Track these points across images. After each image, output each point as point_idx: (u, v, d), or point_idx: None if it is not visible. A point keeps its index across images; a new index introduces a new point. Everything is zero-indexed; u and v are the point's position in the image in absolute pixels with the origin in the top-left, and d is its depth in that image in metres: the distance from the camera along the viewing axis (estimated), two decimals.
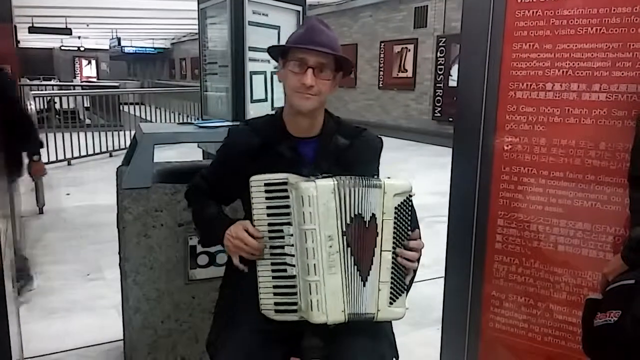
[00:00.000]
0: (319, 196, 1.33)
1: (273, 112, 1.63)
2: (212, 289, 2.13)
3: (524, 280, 1.85)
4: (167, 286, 2.17)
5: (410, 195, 1.42)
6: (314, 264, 1.33)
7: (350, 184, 1.37)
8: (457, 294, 2.00)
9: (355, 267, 1.38)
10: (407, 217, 1.42)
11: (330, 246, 1.34)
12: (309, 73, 1.39)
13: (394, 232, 1.40)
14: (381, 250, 1.40)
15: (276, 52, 1.50)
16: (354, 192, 1.37)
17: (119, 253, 2.16)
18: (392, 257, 1.41)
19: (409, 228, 1.43)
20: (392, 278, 1.41)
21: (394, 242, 1.41)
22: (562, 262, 1.77)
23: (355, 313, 1.38)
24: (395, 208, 1.40)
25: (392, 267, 1.41)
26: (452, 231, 1.97)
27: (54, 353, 2.63)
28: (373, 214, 1.39)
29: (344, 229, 1.36)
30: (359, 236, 1.38)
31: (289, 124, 1.51)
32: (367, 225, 1.39)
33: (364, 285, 1.39)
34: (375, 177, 1.52)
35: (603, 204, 1.67)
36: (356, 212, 1.37)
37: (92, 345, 2.70)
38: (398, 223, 1.41)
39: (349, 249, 1.37)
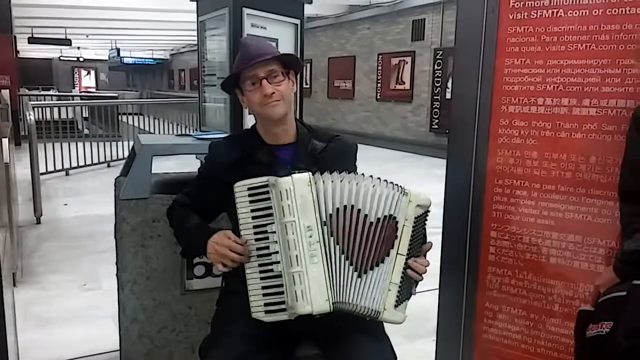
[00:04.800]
0: (296, 188, 1.39)
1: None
2: (208, 300, 2.13)
3: (517, 291, 1.87)
4: (163, 296, 2.19)
5: (428, 211, 1.51)
6: (296, 255, 1.39)
7: (329, 177, 1.43)
8: (451, 305, 2.02)
9: (343, 256, 1.42)
10: (422, 230, 1.51)
11: (310, 236, 1.40)
12: (265, 83, 1.51)
13: (410, 240, 1.47)
14: (397, 253, 1.45)
15: (230, 86, 1.61)
16: (336, 185, 1.42)
17: (116, 263, 2.17)
18: (405, 263, 1.46)
19: (423, 241, 1.52)
20: (400, 282, 1.46)
21: (408, 249, 1.47)
22: (554, 274, 1.79)
23: (342, 302, 1.41)
24: (416, 218, 1.47)
25: (403, 272, 1.46)
26: (446, 243, 1.99)
27: None
28: (390, 215, 1.44)
29: (324, 219, 1.41)
30: (348, 227, 1.42)
31: (264, 135, 1.62)
32: (373, 222, 1.43)
33: (360, 276, 1.42)
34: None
35: (594, 216, 1.69)
36: (342, 204, 1.42)
37: (88, 356, 2.70)
38: (415, 232, 1.48)
39: (332, 238, 1.41)
